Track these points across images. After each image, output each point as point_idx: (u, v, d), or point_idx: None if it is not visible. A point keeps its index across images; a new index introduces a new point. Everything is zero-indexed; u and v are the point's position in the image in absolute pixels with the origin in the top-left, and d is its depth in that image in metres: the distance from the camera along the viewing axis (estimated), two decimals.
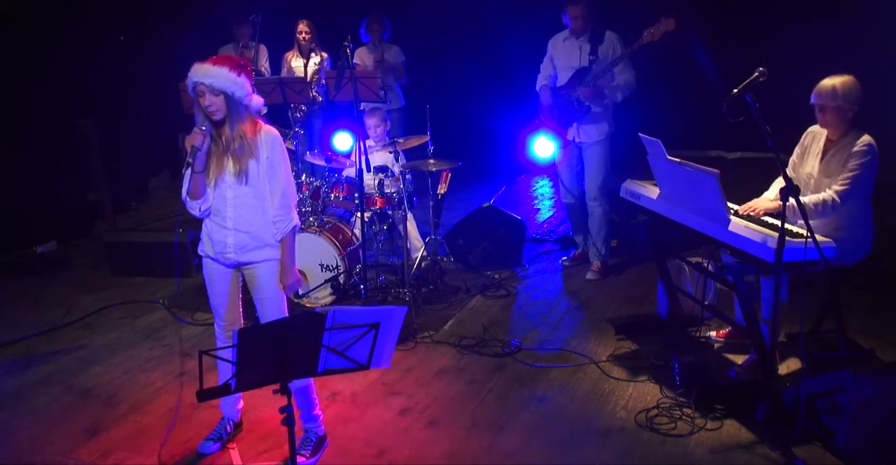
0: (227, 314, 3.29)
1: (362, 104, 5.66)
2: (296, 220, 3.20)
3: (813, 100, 3.68)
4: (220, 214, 3.11)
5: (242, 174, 3.04)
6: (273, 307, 3.20)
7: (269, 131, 3.11)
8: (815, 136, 3.84)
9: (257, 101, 3.08)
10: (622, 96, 5.05)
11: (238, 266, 3.20)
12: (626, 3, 7.09)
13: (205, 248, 3.22)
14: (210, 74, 2.93)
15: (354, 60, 6.80)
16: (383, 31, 6.84)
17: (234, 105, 2.98)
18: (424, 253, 5.33)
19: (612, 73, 4.96)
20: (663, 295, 4.47)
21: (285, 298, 3.25)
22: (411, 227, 5.36)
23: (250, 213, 3.09)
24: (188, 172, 3.03)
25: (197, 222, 3.24)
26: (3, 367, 4.24)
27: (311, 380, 3.28)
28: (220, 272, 3.21)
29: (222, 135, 3.04)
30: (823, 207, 3.57)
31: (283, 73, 6.84)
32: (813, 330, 4.14)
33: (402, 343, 4.32)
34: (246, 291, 3.30)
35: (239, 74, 2.96)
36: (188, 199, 3.09)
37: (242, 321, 3.37)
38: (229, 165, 3.04)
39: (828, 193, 3.58)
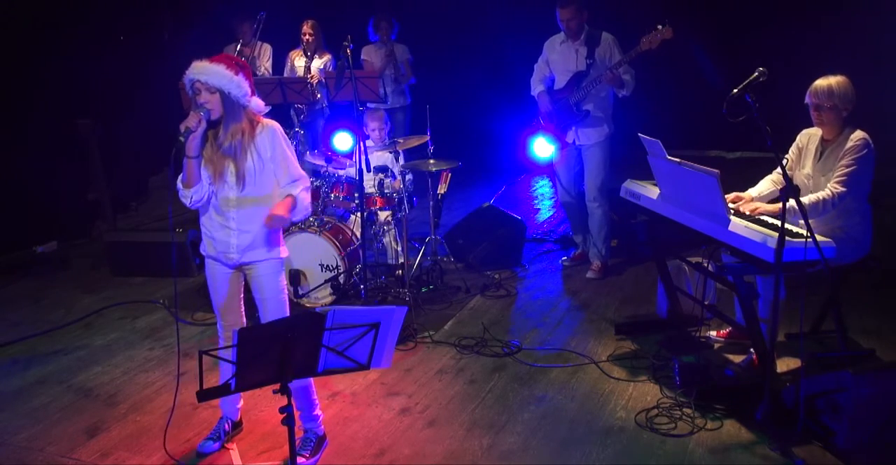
0: (229, 315, 3.29)
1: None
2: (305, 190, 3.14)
3: (808, 100, 3.68)
4: (222, 214, 3.11)
5: (241, 177, 3.04)
6: (274, 307, 3.20)
7: (268, 124, 3.10)
8: (811, 137, 3.84)
9: (257, 102, 3.07)
10: (629, 91, 5.03)
11: (240, 266, 3.20)
12: (622, 3, 7.10)
13: (206, 248, 3.21)
14: (206, 72, 2.93)
15: (363, 57, 6.85)
16: (391, 29, 6.86)
17: (230, 104, 2.97)
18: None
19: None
20: (663, 295, 4.48)
21: (287, 298, 3.25)
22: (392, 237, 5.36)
23: (252, 213, 3.09)
24: (182, 159, 2.99)
25: (196, 222, 3.24)
26: (3, 367, 4.24)
27: (311, 381, 3.28)
28: (223, 273, 3.21)
29: (218, 134, 3.03)
30: (823, 206, 3.56)
31: (287, 70, 6.86)
32: (813, 330, 4.14)
33: (402, 343, 4.32)
34: (247, 290, 3.30)
35: (237, 73, 2.96)
36: (181, 187, 3.06)
37: (244, 321, 3.37)
38: (230, 167, 3.04)
39: (826, 191, 3.57)
